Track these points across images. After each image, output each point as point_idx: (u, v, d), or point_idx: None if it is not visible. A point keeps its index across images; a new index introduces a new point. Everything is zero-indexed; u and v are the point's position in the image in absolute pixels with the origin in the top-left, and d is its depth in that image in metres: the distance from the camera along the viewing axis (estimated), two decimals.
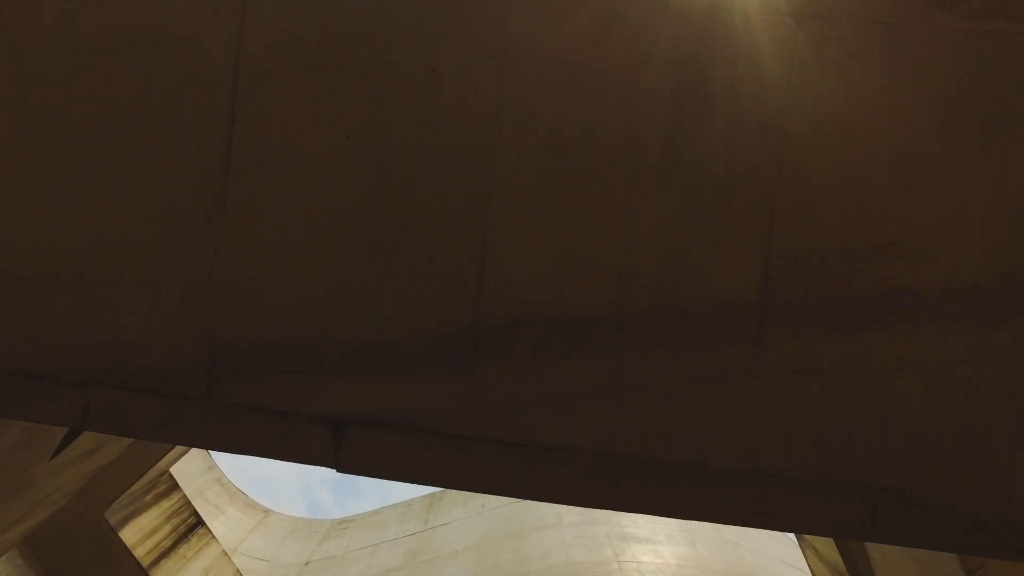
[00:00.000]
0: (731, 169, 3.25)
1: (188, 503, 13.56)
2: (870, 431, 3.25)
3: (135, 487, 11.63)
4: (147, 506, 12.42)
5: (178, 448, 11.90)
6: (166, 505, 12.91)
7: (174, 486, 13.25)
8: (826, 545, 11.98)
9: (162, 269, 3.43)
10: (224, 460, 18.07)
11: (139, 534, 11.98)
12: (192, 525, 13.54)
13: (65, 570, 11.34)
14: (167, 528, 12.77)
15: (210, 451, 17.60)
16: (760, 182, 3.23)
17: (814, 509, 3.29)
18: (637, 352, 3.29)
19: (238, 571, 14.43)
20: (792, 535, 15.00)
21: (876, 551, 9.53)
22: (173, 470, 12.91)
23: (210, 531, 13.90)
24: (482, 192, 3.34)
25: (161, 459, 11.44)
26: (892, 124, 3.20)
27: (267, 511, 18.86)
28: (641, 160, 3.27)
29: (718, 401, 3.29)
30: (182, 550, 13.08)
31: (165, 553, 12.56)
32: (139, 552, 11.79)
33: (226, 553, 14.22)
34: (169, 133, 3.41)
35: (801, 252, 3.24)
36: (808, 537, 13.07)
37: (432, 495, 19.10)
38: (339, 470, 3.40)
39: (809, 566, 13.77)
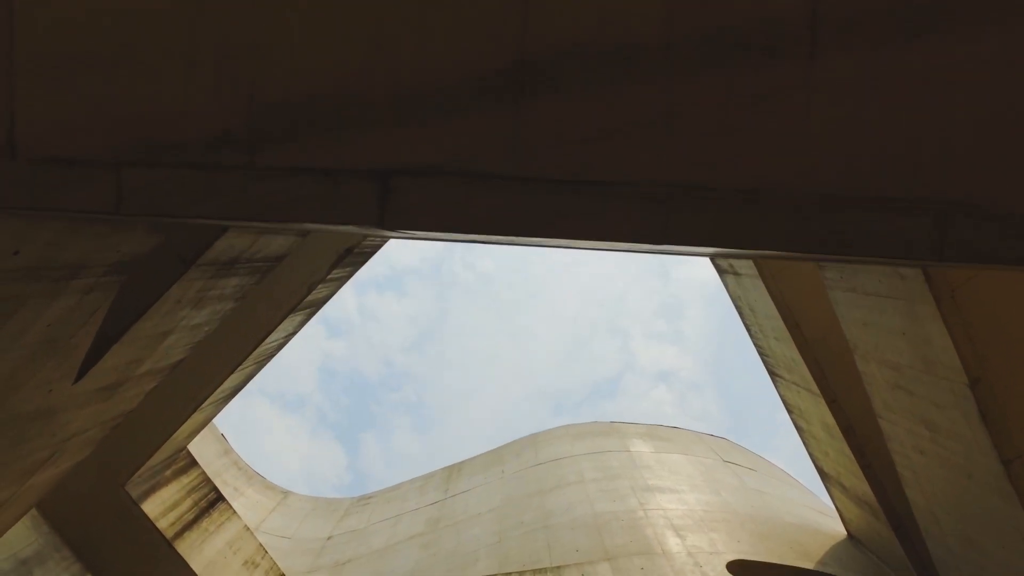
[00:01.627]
0: None
1: (207, 479, 13.47)
2: (935, 144, 3.12)
3: (154, 461, 11.56)
4: (167, 480, 12.35)
5: (195, 418, 11.80)
6: (186, 480, 12.83)
7: (193, 462, 13.17)
8: (853, 477, 11.83)
9: (193, 37, 3.33)
10: (238, 448, 18.00)
11: (161, 507, 11.91)
12: (213, 500, 13.43)
13: (89, 541, 11.27)
14: (188, 502, 12.67)
15: (225, 438, 17.44)
16: None
17: (883, 232, 3.14)
18: (687, 76, 3.19)
19: (261, 546, 14.29)
20: (824, 494, 14.82)
21: (908, 470, 9.33)
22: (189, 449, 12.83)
23: (231, 507, 13.80)
24: None
25: (179, 428, 11.35)
26: None
27: (286, 492, 18.74)
28: None
29: (775, 122, 3.17)
30: (204, 524, 12.97)
31: (188, 526, 12.47)
32: (162, 524, 11.70)
33: (248, 528, 14.11)
34: None
35: None
36: (834, 475, 12.93)
37: (450, 467, 18.96)
38: (384, 227, 3.28)
39: (835, 504, 13.64)
